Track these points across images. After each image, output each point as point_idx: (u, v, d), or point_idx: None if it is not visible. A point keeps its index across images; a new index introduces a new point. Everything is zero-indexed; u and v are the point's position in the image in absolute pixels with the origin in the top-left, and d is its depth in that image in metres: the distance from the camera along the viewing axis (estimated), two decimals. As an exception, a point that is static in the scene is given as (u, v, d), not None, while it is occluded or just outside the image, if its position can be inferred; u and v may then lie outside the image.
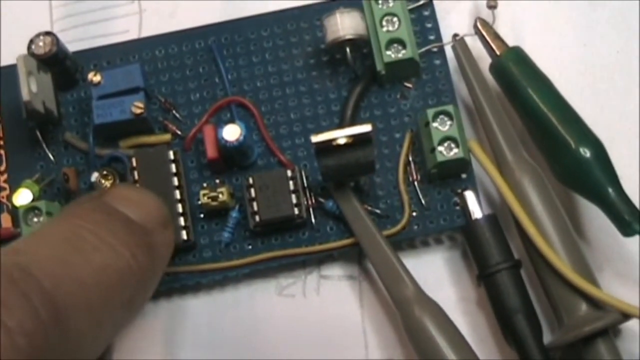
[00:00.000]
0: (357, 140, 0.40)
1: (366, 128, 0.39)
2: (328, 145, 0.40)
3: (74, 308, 0.32)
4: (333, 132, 0.40)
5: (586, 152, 0.41)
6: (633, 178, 0.44)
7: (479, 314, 0.43)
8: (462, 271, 0.43)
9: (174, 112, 0.44)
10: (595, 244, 0.43)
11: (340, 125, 0.43)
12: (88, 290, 0.33)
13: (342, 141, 0.40)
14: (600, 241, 0.43)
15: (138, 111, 0.42)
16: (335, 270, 0.44)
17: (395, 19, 0.43)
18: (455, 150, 0.41)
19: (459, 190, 0.43)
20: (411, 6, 0.44)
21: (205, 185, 0.43)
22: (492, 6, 0.44)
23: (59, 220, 0.35)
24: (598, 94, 0.45)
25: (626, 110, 0.45)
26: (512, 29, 0.46)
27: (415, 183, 0.43)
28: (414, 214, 0.43)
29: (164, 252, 0.38)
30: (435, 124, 0.42)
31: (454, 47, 0.44)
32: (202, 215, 0.43)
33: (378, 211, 0.43)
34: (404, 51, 0.43)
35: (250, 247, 0.43)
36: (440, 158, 0.41)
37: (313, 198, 0.43)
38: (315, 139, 0.40)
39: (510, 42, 0.44)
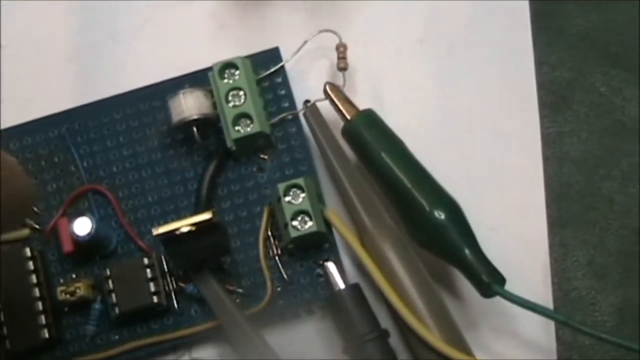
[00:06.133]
0: (202, 227, 0.39)
1: (206, 216, 0.39)
2: (174, 235, 0.39)
3: None
4: (175, 223, 0.39)
5: (440, 215, 0.40)
6: (504, 229, 0.43)
7: (356, 382, 0.42)
8: (335, 340, 0.42)
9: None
10: (469, 301, 0.42)
11: (197, 205, 0.42)
12: None
13: (184, 230, 0.39)
14: (474, 297, 0.41)
15: (-11, 212, 0.42)
16: (206, 352, 0.43)
17: (241, 92, 0.42)
18: (310, 223, 0.41)
19: (321, 262, 0.42)
20: (263, 74, 0.44)
21: (62, 281, 0.42)
22: (342, 68, 0.43)
23: None
24: (461, 144, 0.44)
25: (490, 158, 0.44)
26: (370, 87, 0.45)
27: (277, 257, 0.42)
28: (278, 289, 0.42)
29: None
30: (287, 198, 0.41)
31: (305, 115, 0.43)
32: (66, 309, 0.42)
33: (241, 290, 0.42)
34: (252, 125, 0.42)
35: (116, 337, 0.42)
36: (293, 233, 0.41)
37: (174, 283, 0.42)
38: (156, 231, 0.39)
39: (369, 100, 0.44)
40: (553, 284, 0.43)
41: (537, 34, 0.45)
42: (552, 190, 0.44)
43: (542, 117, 0.44)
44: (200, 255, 0.40)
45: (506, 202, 0.44)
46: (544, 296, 0.42)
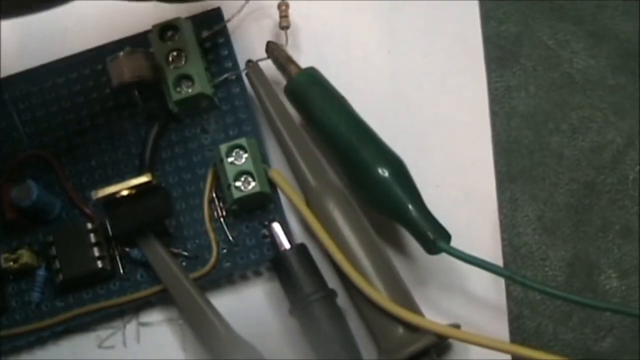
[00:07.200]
0: (143, 190, 0.39)
1: (145, 178, 0.39)
2: (114, 198, 0.39)
3: None
4: (115, 186, 0.39)
5: (384, 172, 0.40)
6: (449, 185, 0.43)
7: (306, 343, 0.42)
8: (284, 301, 0.42)
9: (-27, 173, 0.43)
10: (417, 259, 0.42)
11: (140, 168, 0.42)
12: None
13: (124, 193, 0.39)
14: (422, 255, 0.41)
15: None
16: (154, 316, 0.43)
17: (182, 54, 0.42)
18: (253, 183, 0.40)
19: (267, 222, 0.41)
20: (205, 35, 0.43)
21: (5, 248, 0.42)
22: (284, 27, 0.43)
23: None
24: (407, 101, 0.44)
25: (437, 114, 0.43)
26: (314, 45, 0.44)
27: (222, 219, 0.42)
28: (224, 251, 0.42)
29: None
30: (230, 159, 0.41)
31: (248, 74, 0.42)
32: (11, 277, 0.42)
33: (186, 253, 0.42)
34: (193, 87, 0.41)
35: (62, 304, 0.42)
36: (237, 194, 0.40)
37: (119, 247, 0.42)
38: (96, 195, 0.39)
39: (313, 58, 0.43)
40: (503, 239, 0.42)
41: (483, -12, 0.45)
42: (501, 146, 0.43)
43: (490, 72, 0.44)
44: (142, 218, 0.40)
45: (454, 159, 0.43)
46: (494, 252, 0.42)
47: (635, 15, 0.44)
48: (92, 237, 0.41)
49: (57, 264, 0.41)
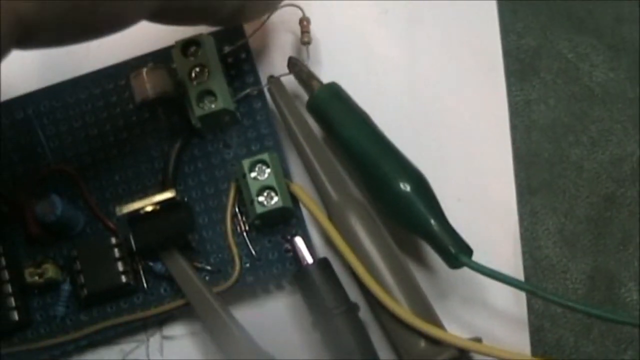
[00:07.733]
0: (167, 205, 0.39)
1: (169, 194, 0.39)
2: (138, 214, 0.39)
3: None
4: (138, 202, 0.40)
5: (406, 187, 0.40)
6: (469, 198, 0.43)
7: (328, 356, 0.42)
8: (306, 315, 0.42)
9: (-4, 188, 0.43)
10: (438, 272, 0.42)
11: (163, 183, 0.42)
12: None
13: (148, 209, 0.39)
14: (443, 269, 0.41)
15: (-47, 196, 0.42)
16: (177, 330, 0.43)
17: (204, 69, 0.42)
18: (276, 198, 0.41)
19: (289, 237, 0.42)
20: (227, 50, 0.43)
21: (30, 263, 0.42)
22: (305, 42, 0.43)
23: None
24: (428, 115, 0.44)
25: (457, 128, 0.44)
26: (335, 60, 0.45)
27: (245, 233, 0.42)
28: (247, 265, 0.42)
29: None
30: (253, 174, 0.41)
31: (269, 90, 0.43)
32: (36, 291, 0.42)
33: (209, 267, 0.42)
34: (216, 102, 0.42)
35: (86, 317, 0.42)
36: (259, 209, 0.41)
37: (142, 261, 0.42)
38: (120, 211, 0.39)
39: (334, 73, 0.43)
40: (524, 253, 0.43)
41: (502, 2, 0.45)
42: (521, 159, 0.43)
43: (509, 85, 0.44)
44: (165, 233, 0.40)
45: (474, 172, 0.43)
46: (515, 265, 0.42)
47: (655, 27, 0.44)
48: (116, 252, 0.41)
49: (82, 279, 0.41)
